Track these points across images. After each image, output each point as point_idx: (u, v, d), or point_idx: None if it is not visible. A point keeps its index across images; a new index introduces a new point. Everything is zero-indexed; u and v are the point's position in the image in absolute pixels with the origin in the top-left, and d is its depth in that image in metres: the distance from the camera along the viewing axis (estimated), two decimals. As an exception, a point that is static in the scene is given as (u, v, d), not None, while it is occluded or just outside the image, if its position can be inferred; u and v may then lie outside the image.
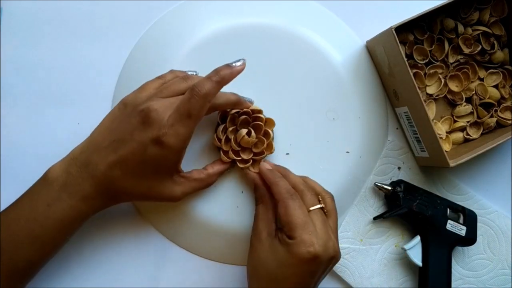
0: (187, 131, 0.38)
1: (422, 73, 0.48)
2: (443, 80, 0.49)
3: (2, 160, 0.47)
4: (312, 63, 0.48)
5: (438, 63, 0.49)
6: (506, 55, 0.49)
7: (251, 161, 0.44)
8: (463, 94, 0.49)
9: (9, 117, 0.47)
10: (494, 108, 0.49)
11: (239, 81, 0.46)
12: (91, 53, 0.48)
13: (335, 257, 0.39)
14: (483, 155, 0.45)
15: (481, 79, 0.50)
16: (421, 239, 0.47)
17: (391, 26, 0.43)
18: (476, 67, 0.49)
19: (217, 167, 0.44)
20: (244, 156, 0.44)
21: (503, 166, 0.52)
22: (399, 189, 0.47)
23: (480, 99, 0.49)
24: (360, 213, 0.49)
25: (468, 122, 0.49)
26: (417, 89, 0.43)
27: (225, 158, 0.44)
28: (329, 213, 0.41)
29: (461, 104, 0.49)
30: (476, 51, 0.48)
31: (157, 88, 0.42)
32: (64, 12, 0.48)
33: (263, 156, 0.45)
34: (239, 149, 0.44)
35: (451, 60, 0.49)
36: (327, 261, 0.38)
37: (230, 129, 0.44)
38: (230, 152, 0.44)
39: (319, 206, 0.40)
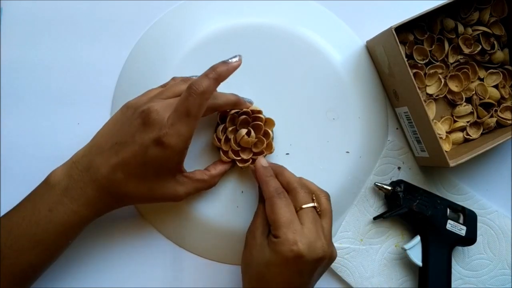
0: (188, 130, 0.37)
1: (422, 73, 0.48)
2: (443, 80, 0.49)
3: (2, 160, 0.47)
4: (312, 63, 0.48)
5: (438, 63, 0.49)
6: (506, 55, 0.49)
7: (251, 160, 0.44)
8: (463, 94, 0.49)
9: (8, 117, 0.47)
10: (494, 108, 0.49)
11: (239, 81, 0.46)
12: (91, 53, 0.48)
13: (323, 257, 0.38)
14: (483, 155, 0.45)
15: (481, 79, 0.50)
16: (421, 239, 0.47)
17: (391, 26, 0.43)
18: (476, 67, 0.49)
19: (220, 168, 0.44)
20: (244, 156, 0.44)
21: (503, 166, 0.52)
22: (399, 189, 0.47)
23: (480, 99, 0.49)
24: (360, 213, 0.49)
25: (468, 122, 0.49)
26: (417, 89, 0.43)
27: (225, 158, 0.44)
28: (323, 213, 0.41)
29: (461, 104, 0.49)
30: (476, 51, 0.48)
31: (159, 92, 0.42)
32: (64, 12, 0.48)
33: (263, 155, 0.45)
34: (238, 149, 0.44)
35: (451, 60, 0.49)
36: (313, 261, 0.37)
37: (230, 129, 0.44)
38: (230, 152, 0.44)
39: (311, 204, 0.40)
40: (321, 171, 0.47)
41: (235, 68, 0.38)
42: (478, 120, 0.49)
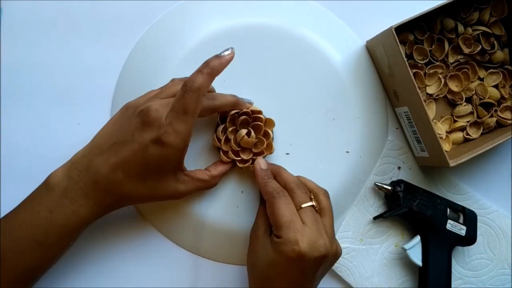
0: (186, 127, 0.37)
1: (422, 73, 0.48)
2: (443, 80, 0.49)
3: (2, 159, 0.47)
4: (312, 63, 0.48)
5: (438, 63, 0.49)
6: (506, 55, 0.49)
7: (251, 161, 0.44)
8: (463, 94, 0.49)
9: (9, 117, 0.47)
10: (494, 108, 0.49)
11: (239, 81, 0.46)
12: (91, 53, 0.48)
13: (326, 255, 0.38)
14: (483, 155, 0.45)
15: (481, 79, 0.50)
16: (421, 239, 0.47)
17: (391, 26, 0.43)
18: (476, 67, 0.49)
19: (220, 168, 0.44)
20: (244, 156, 0.44)
21: (503, 166, 0.52)
22: (399, 189, 0.47)
23: (480, 99, 0.49)
24: (360, 213, 0.49)
25: (468, 122, 0.49)
26: (417, 89, 0.43)
27: (225, 158, 0.44)
28: (322, 211, 0.41)
29: (461, 104, 0.49)
30: (476, 51, 0.48)
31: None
32: (64, 12, 0.48)
33: (262, 156, 0.45)
34: (239, 149, 0.44)
35: (451, 60, 0.49)
36: (316, 259, 0.37)
37: (230, 129, 0.44)
38: (230, 153, 0.44)
39: (310, 203, 0.40)
40: (321, 171, 0.47)
41: (228, 61, 0.38)
42: (478, 120, 0.49)
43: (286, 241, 0.37)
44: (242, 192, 0.46)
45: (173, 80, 0.44)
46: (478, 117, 0.49)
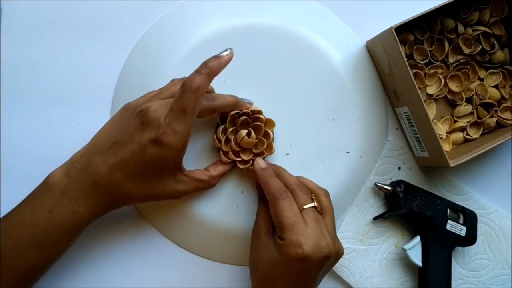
0: (185, 128, 0.37)
1: (422, 73, 0.48)
2: (443, 80, 0.49)
3: (2, 159, 0.47)
4: (312, 63, 0.48)
5: (438, 63, 0.49)
6: (506, 55, 0.49)
7: (251, 161, 0.44)
8: (463, 94, 0.49)
9: (9, 117, 0.47)
10: (494, 108, 0.49)
11: (239, 81, 0.46)
12: (91, 53, 0.48)
13: (329, 255, 0.38)
14: (483, 155, 0.45)
15: (481, 79, 0.50)
16: (421, 239, 0.47)
17: (391, 26, 0.43)
18: (476, 67, 0.49)
19: (219, 169, 0.44)
20: (244, 157, 0.44)
21: (503, 166, 0.52)
22: (399, 189, 0.47)
23: (480, 99, 0.49)
24: (360, 213, 0.49)
25: (468, 122, 0.49)
26: (417, 89, 0.43)
27: (225, 159, 0.44)
28: (323, 211, 0.41)
29: (461, 104, 0.49)
30: (476, 51, 0.48)
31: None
32: (64, 12, 0.48)
33: (263, 156, 0.45)
34: (239, 149, 0.44)
35: (451, 60, 0.49)
36: (319, 260, 0.37)
37: (230, 130, 0.44)
38: (230, 153, 0.44)
39: (312, 204, 0.40)
40: (321, 171, 0.47)
41: (227, 61, 0.38)
42: (478, 120, 0.49)
43: (289, 244, 0.37)
44: (242, 192, 0.46)
45: (172, 81, 0.44)
46: (478, 117, 0.49)
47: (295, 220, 0.38)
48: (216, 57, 0.38)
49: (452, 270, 0.47)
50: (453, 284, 0.48)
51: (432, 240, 0.46)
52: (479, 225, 0.49)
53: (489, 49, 0.48)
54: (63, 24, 0.48)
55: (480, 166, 0.51)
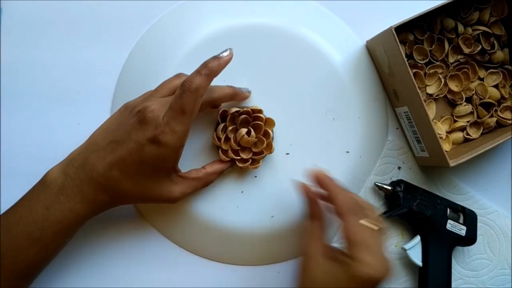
0: (183, 128, 0.37)
1: (422, 73, 0.48)
2: (443, 80, 0.49)
3: (2, 159, 0.47)
4: (312, 63, 0.48)
5: (438, 63, 0.49)
6: (506, 55, 0.49)
7: (251, 160, 0.44)
8: (463, 94, 0.49)
9: (8, 117, 0.47)
10: (494, 108, 0.49)
11: (239, 81, 0.46)
12: (91, 53, 0.48)
13: (388, 276, 0.37)
14: (483, 155, 0.45)
15: (481, 79, 0.50)
16: (421, 239, 0.47)
17: (391, 26, 0.43)
18: (476, 67, 0.49)
19: (216, 166, 0.44)
20: (244, 156, 0.44)
21: (503, 166, 0.52)
22: (399, 189, 0.47)
23: (480, 99, 0.49)
24: (360, 213, 0.49)
25: (468, 122, 0.49)
26: (417, 89, 0.43)
27: (223, 157, 0.44)
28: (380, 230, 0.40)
29: (461, 104, 0.49)
30: (476, 51, 0.48)
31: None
32: (64, 12, 0.48)
33: (262, 156, 0.45)
34: (238, 148, 0.44)
35: (451, 60, 0.49)
36: (384, 280, 0.36)
37: (230, 128, 0.44)
38: (230, 151, 0.44)
39: (370, 222, 0.38)
40: (321, 171, 0.47)
41: (226, 62, 0.38)
42: (478, 120, 0.49)
43: (361, 264, 0.35)
44: (242, 192, 0.46)
45: (179, 76, 0.43)
46: (478, 117, 0.49)
47: (366, 238, 0.36)
48: (216, 57, 0.38)
49: (452, 270, 0.47)
50: (453, 284, 0.48)
51: (432, 240, 0.46)
52: (479, 225, 0.49)
53: (489, 49, 0.48)
54: (63, 24, 0.48)
55: (480, 166, 0.51)
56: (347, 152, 0.48)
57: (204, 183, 0.43)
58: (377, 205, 0.49)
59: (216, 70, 0.38)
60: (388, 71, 0.47)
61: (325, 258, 0.38)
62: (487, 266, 0.50)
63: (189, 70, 0.46)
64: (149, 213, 0.47)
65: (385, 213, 0.48)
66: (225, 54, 0.38)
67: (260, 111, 0.44)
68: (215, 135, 0.44)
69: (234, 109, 0.44)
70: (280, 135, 0.47)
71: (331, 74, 0.48)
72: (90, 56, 0.48)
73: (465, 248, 0.50)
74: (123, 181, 0.38)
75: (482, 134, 0.50)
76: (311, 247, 0.40)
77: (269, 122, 0.45)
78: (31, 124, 0.47)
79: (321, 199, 0.43)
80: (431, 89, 0.49)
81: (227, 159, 0.44)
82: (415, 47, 0.48)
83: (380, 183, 0.48)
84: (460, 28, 0.48)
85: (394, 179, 0.49)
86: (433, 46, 0.48)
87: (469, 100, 0.50)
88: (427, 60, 0.48)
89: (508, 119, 0.49)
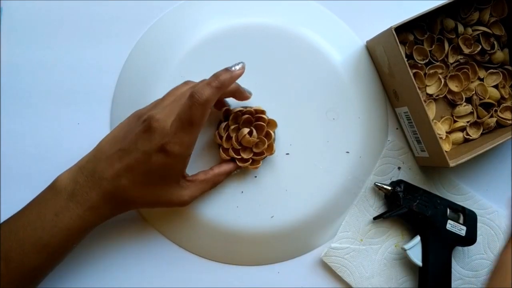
0: (191, 138, 0.38)
1: (422, 73, 0.48)
2: (443, 80, 0.49)
3: (2, 160, 0.47)
4: (312, 63, 0.48)
5: (438, 63, 0.49)
6: (506, 55, 0.49)
7: (251, 160, 0.44)
8: (463, 94, 0.49)
9: (8, 117, 0.47)
10: (494, 108, 0.49)
11: (239, 81, 0.46)
12: (91, 53, 0.48)
13: None
14: (483, 155, 0.45)
15: (481, 79, 0.50)
16: (421, 239, 0.47)
17: (391, 26, 0.43)
18: (476, 67, 0.49)
19: (224, 167, 0.44)
20: (244, 155, 0.44)
21: (503, 166, 0.52)
22: (399, 189, 0.47)
23: (480, 99, 0.49)
24: (360, 213, 0.49)
25: (468, 122, 0.49)
26: (417, 89, 0.43)
27: (224, 156, 0.44)
28: None
29: (461, 104, 0.49)
30: (476, 51, 0.48)
31: None
32: (64, 12, 0.48)
33: (263, 156, 0.45)
34: (239, 148, 0.44)
35: (451, 60, 0.49)
36: None
37: (232, 127, 0.44)
38: (230, 150, 0.44)
39: None
40: (321, 171, 0.47)
41: (238, 76, 0.39)
42: (478, 120, 0.49)
43: None
44: (242, 192, 0.46)
45: (186, 83, 0.43)
46: (478, 117, 0.49)
47: None
48: (227, 70, 0.38)
49: (452, 270, 0.47)
50: (453, 284, 0.48)
51: (432, 240, 0.46)
52: (479, 225, 0.49)
53: (489, 49, 0.48)
54: (63, 24, 0.48)
55: (480, 166, 0.51)
56: (347, 152, 0.48)
57: (212, 185, 0.44)
58: (377, 205, 0.49)
59: (227, 84, 0.38)
60: (388, 71, 0.47)
61: None
62: (487, 266, 0.50)
63: (189, 70, 0.46)
64: (150, 214, 0.47)
65: (385, 213, 0.48)
66: (237, 67, 0.38)
67: (263, 112, 0.44)
68: (217, 133, 0.44)
69: (237, 108, 0.44)
70: (280, 135, 0.47)
71: (331, 74, 0.48)
72: (90, 56, 0.48)
73: (465, 248, 0.50)
74: (131, 189, 0.38)
75: (482, 134, 0.50)
76: None
77: (272, 124, 0.45)
78: (31, 124, 0.47)
79: None
80: (431, 89, 0.49)
81: (228, 158, 0.44)
82: (415, 47, 0.48)
83: (380, 183, 0.48)
84: (460, 28, 0.48)
85: (394, 179, 0.49)
86: (433, 47, 0.49)
87: (469, 100, 0.50)
88: (427, 60, 0.48)
89: (508, 119, 0.49)
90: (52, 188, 0.39)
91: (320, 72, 0.48)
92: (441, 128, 0.49)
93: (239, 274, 0.48)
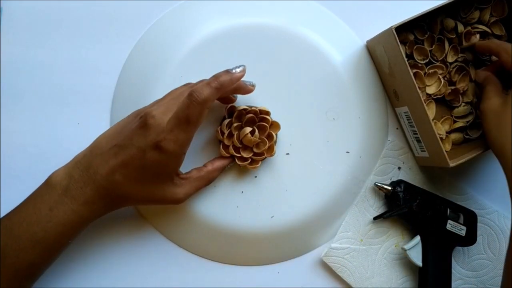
0: (186, 136, 0.38)
1: (422, 73, 0.48)
2: (443, 80, 0.49)
3: (2, 159, 0.47)
4: (312, 63, 0.48)
5: (438, 63, 0.49)
6: (506, 55, 0.49)
7: (250, 160, 0.44)
8: (462, 95, 0.49)
9: (8, 117, 0.47)
10: (494, 108, 0.49)
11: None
12: (91, 53, 0.48)
13: None
14: (483, 155, 0.45)
15: (481, 79, 0.50)
16: (421, 239, 0.47)
17: (391, 26, 0.43)
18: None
19: (218, 163, 0.44)
20: (244, 154, 0.44)
21: (503, 166, 0.51)
22: (399, 189, 0.47)
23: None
24: (360, 213, 0.49)
25: (468, 122, 0.49)
26: (418, 89, 0.43)
27: (224, 152, 0.44)
28: None
29: (461, 104, 0.49)
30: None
31: None
32: (64, 12, 0.48)
33: (262, 157, 0.45)
34: (240, 146, 0.44)
35: (451, 60, 0.49)
36: None
37: (235, 125, 0.44)
38: (231, 148, 0.44)
39: None
40: (321, 171, 0.47)
41: (238, 78, 0.39)
42: (478, 121, 0.49)
43: None
44: (242, 192, 0.46)
45: (187, 86, 0.43)
46: (478, 117, 0.49)
47: None
48: (228, 72, 0.38)
49: (452, 270, 0.47)
50: (453, 284, 0.48)
51: (432, 240, 0.46)
52: (479, 225, 0.49)
53: (489, 49, 0.48)
54: (63, 24, 0.48)
55: (480, 166, 0.51)
56: (347, 152, 0.48)
57: (206, 181, 0.44)
58: (377, 205, 0.49)
59: (226, 85, 0.38)
60: (388, 71, 0.47)
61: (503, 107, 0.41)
62: (487, 266, 0.50)
63: (189, 70, 0.46)
64: (149, 213, 0.47)
65: (385, 213, 0.48)
66: (238, 70, 0.39)
67: (267, 113, 0.44)
68: (219, 129, 0.44)
69: (242, 107, 0.44)
70: (280, 135, 0.47)
71: (331, 74, 0.48)
72: (90, 56, 0.48)
73: (465, 248, 0.50)
74: (126, 185, 0.38)
75: (482, 134, 0.50)
76: (489, 102, 0.42)
77: (275, 125, 0.45)
78: (31, 124, 0.47)
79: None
80: (431, 89, 0.49)
81: (227, 155, 0.44)
82: (415, 47, 0.48)
83: (380, 183, 0.48)
84: (460, 28, 0.48)
85: (394, 179, 0.49)
86: (433, 46, 0.48)
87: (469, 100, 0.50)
88: (427, 60, 0.48)
89: (508, 119, 0.48)
90: (47, 183, 0.39)
91: (320, 72, 0.48)
92: (441, 128, 0.49)
93: (239, 274, 0.48)
